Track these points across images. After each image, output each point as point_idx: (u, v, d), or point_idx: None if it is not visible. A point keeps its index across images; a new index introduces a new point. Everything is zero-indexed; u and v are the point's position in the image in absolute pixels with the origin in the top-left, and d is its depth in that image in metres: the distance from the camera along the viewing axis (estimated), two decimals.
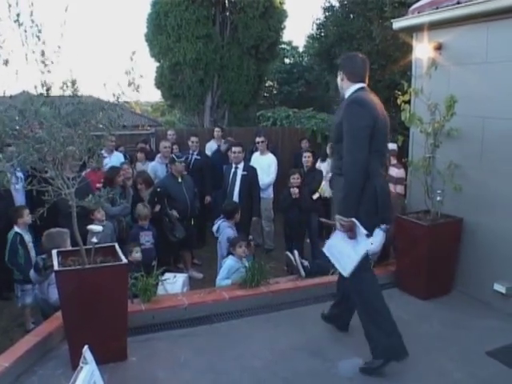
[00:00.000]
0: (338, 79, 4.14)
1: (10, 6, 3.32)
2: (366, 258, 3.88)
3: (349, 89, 4.03)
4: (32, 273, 4.94)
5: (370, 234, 3.77)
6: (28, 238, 5.93)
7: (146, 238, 6.65)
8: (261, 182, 8.47)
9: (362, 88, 3.99)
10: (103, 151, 7.61)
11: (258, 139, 9.23)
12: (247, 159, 9.62)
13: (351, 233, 3.80)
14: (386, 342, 3.87)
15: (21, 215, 5.87)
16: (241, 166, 7.97)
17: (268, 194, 8.99)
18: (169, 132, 10.64)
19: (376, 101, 3.97)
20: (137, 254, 6.02)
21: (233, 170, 7.97)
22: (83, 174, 6.94)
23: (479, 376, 3.92)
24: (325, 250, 4.13)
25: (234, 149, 8.06)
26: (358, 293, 4.03)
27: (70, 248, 4.63)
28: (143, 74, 3.72)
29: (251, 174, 7.96)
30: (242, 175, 7.88)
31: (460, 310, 5.10)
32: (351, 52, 4.41)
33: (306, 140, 10.80)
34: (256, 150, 9.62)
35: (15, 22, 3.35)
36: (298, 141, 11.23)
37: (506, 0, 4.62)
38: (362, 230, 3.75)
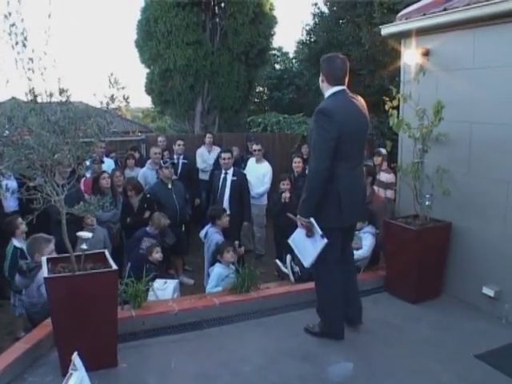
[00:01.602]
0: (320, 81, 4.29)
1: (5, 16, 3.34)
2: (329, 252, 4.23)
3: (327, 91, 4.22)
4: (17, 277, 4.94)
5: (324, 235, 4.10)
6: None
7: (148, 245, 6.64)
8: (255, 191, 8.57)
9: (339, 92, 4.15)
10: (96, 156, 7.71)
11: (255, 147, 9.25)
12: (238, 164, 9.69)
13: (309, 232, 4.20)
14: (327, 324, 4.50)
15: (17, 226, 5.84)
16: (230, 171, 7.99)
17: (261, 201, 9.04)
18: (159, 138, 10.64)
19: (350, 105, 4.14)
20: (157, 255, 6.08)
21: (222, 175, 8.00)
22: (82, 181, 7.03)
23: (468, 379, 3.94)
24: (289, 241, 4.52)
25: (223, 155, 8.10)
26: (317, 280, 4.59)
27: (56, 255, 4.64)
28: (125, 86, 3.74)
29: (241, 180, 8.00)
30: (232, 181, 7.90)
31: (449, 314, 5.13)
32: (332, 54, 4.38)
33: (306, 145, 10.82)
34: (247, 155, 9.67)
35: (9, 33, 3.37)
36: (297, 146, 11.27)
37: (491, 7, 4.67)
38: (318, 230, 4.12)
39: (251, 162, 9.34)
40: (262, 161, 9.23)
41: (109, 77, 3.70)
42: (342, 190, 4.13)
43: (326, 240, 4.10)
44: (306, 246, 4.30)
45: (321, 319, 4.60)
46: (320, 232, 4.12)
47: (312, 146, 4.15)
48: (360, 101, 4.33)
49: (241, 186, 7.94)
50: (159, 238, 6.87)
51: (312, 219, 4.14)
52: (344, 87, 4.20)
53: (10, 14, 3.35)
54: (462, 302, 5.37)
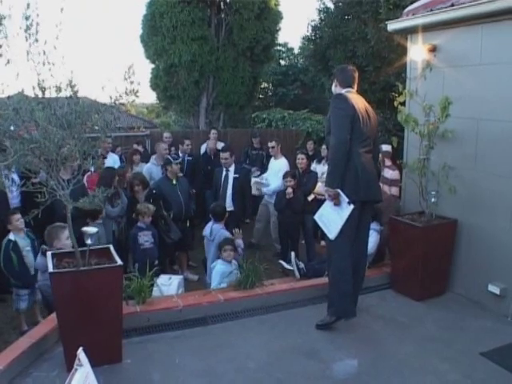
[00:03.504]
0: (333, 86, 4.93)
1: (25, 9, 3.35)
2: (347, 231, 4.54)
3: (339, 92, 4.80)
4: (39, 259, 5.03)
5: (350, 202, 4.45)
6: (24, 243, 5.81)
7: (145, 238, 6.64)
8: (267, 188, 8.61)
9: (349, 91, 4.75)
10: (102, 151, 7.71)
11: (269, 144, 9.12)
12: (242, 160, 9.69)
13: (336, 200, 4.52)
14: (339, 302, 4.65)
15: (9, 221, 5.82)
16: (232, 168, 8.01)
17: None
18: (165, 134, 10.65)
19: (358, 100, 4.67)
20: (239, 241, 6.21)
21: (224, 173, 8.02)
22: (85, 176, 7.01)
23: (474, 377, 3.93)
24: (316, 217, 4.83)
25: (221, 155, 8.10)
26: (330, 256, 4.75)
27: (63, 250, 4.64)
28: (140, 81, 3.72)
29: (242, 176, 8.03)
30: (234, 178, 7.93)
31: (454, 311, 5.12)
32: (344, 64, 5.40)
33: (311, 141, 10.81)
34: (252, 151, 9.67)
35: (25, 29, 3.37)
36: (302, 142, 11.27)
37: (499, 2, 4.64)
38: (344, 198, 4.48)
39: (271, 160, 9.20)
40: (279, 156, 9.02)
41: (128, 68, 3.67)
42: (359, 166, 4.51)
43: (352, 206, 4.44)
44: (332, 217, 4.60)
45: (330, 302, 4.74)
46: (346, 199, 4.47)
47: (331, 126, 4.54)
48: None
49: (243, 183, 7.98)
50: (154, 230, 6.86)
51: (338, 189, 4.47)
52: (353, 89, 4.77)
53: (28, 5, 3.34)
54: (467, 299, 5.36)
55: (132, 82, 3.69)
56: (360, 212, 4.61)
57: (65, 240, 5.03)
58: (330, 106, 4.67)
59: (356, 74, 4.85)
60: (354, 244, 4.70)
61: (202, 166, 9.82)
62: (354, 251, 4.71)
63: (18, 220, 5.76)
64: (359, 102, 4.64)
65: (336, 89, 4.85)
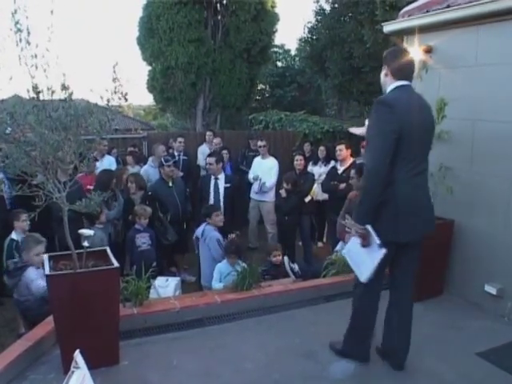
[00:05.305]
0: (382, 74, 3.85)
1: (12, 14, 3.34)
2: (378, 269, 3.65)
3: (390, 86, 3.77)
4: (5, 277, 5.07)
5: (382, 245, 3.53)
6: None
7: (143, 240, 6.66)
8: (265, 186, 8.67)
9: (403, 86, 3.70)
10: (95, 154, 7.71)
11: (259, 143, 9.18)
12: (239, 162, 9.68)
13: (364, 241, 3.61)
14: (353, 345, 4.12)
15: (17, 218, 5.84)
16: (222, 177, 7.55)
17: (270, 198, 8.99)
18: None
19: (413, 101, 3.70)
20: (274, 259, 6.27)
21: (212, 181, 7.54)
22: (75, 177, 7.02)
23: (471, 377, 3.93)
24: (344, 252, 4.07)
25: (207, 159, 7.68)
26: (355, 298, 4.08)
27: (44, 256, 4.66)
28: (129, 79, 3.71)
29: (234, 186, 7.66)
30: (225, 188, 7.50)
31: (451, 312, 5.12)
32: (398, 47, 4.15)
33: (308, 143, 10.84)
34: (249, 152, 9.69)
35: (16, 31, 3.36)
36: (300, 144, 11.31)
37: (495, 4, 4.65)
38: (375, 239, 3.55)
39: (257, 159, 9.27)
40: (267, 156, 9.16)
41: (113, 67, 3.66)
42: (401, 198, 3.60)
43: (384, 250, 3.54)
44: (362, 258, 3.70)
45: (345, 337, 4.17)
46: (378, 241, 3.54)
47: (368, 142, 3.70)
48: (425, 100, 3.87)
49: (234, 193, 7.59)
50: (152, 232, 6.87)
51: (368, 226, 3.57)
52: (410, 83, 3.75)
53: (15, 11, 3.34)
54: (464, 300, 5.36)
55: (117, 81, 3.67)
56: (398, 252, 3.78)
57: (33, 256, 4.95)
58: (372, 113, 3.67)
59: (414, 62, 3.88)
60: (394, 289, 4.01)
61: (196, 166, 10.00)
62: (397, 299, 4.00)
63: (24, 220, 5.80)
64: (413, 104, 3.65)
65: (386, 79, 3.80)
